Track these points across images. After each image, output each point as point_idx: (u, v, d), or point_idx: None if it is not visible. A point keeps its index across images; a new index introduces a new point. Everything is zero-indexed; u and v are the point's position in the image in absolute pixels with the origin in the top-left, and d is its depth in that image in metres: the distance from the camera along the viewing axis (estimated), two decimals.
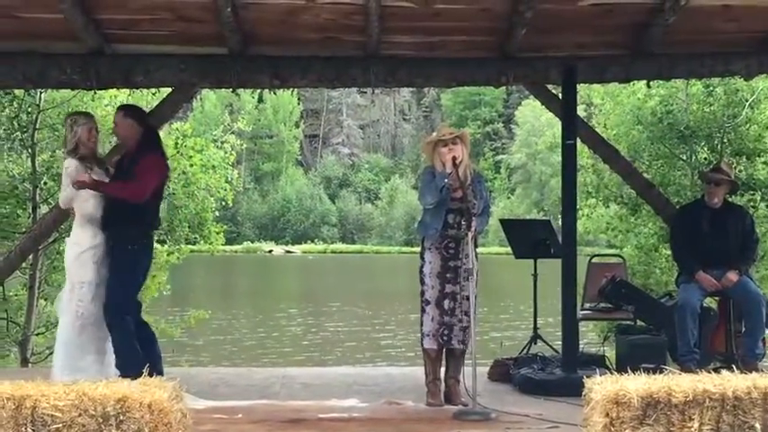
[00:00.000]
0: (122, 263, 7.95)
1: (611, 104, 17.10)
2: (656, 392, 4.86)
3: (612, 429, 4.84)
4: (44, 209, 13.00)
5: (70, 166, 7.98)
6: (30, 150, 13.73)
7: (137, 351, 7.79)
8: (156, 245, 14.67)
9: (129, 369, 6.93)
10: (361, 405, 7.97)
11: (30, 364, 13.24)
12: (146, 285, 14.55)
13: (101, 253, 7.96)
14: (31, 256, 12.82)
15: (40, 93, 13.15)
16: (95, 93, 12.15)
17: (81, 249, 7.94)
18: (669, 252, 12.78)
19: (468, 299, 7.81)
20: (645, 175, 13.25)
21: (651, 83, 10.85)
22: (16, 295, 14.22)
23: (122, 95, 14.30)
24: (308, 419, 7.33)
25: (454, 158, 7.86)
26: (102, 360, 7.89)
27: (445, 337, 7.98)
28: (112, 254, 7.95)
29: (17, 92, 12.74)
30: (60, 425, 4.56)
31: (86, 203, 7.97)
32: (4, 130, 13.59)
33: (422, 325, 8.09)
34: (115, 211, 7.95)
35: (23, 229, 12.84)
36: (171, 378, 4.97)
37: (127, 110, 8.43)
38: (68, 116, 8.48)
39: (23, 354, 13.76)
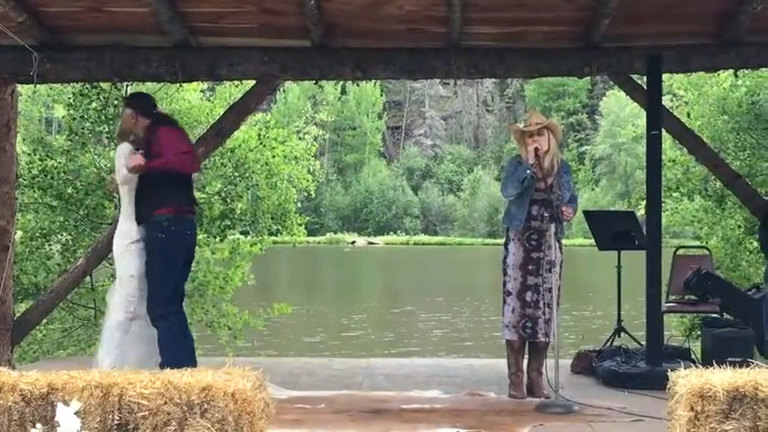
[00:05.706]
0: (154, 252, 7.73)
1: (695, 95, 16.82)
2: (743, 386, 4.78)
3: (697, 423, 4.78)
4: None
5: (124, 149, 7.90)
6: (116, 143, 13.88)
7: (183, 346, 7.63)
8: (239, 235, 14.90)
9: (174, 365, 6.68)
10: (443, 396, 7.99)
11: None
12: (229, 275, 14.72)
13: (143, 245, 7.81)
14: None
15: (127, 86, 13.31)
16: (180, 85, 12.25)
17: (129, 241, 7.77)
18: (756, 244, 12.57)
19: (550, 291, 7.79)
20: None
21: (738, 72, 10.64)
22: (102, 285, 14.42)
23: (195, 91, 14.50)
24: (389, 410, 7.36)
25: (536, 150, 7.85)
26: (151, 354, 7.59)
27: (529, 330, 7.96)
28: (146, 245, 7.75)
29: (104, 85, 12.91)
30: (146, 412, 4.62)
31: (134, 194, 7.86)
32: (91, 122, 13.76)
33: (503, 316, 8.08)
34: (142, 199, 7.78)
35: (110, 221, 13.00)
36: (254, 368, 5.01)
37: (128, 99, 8.12)
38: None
39: None
